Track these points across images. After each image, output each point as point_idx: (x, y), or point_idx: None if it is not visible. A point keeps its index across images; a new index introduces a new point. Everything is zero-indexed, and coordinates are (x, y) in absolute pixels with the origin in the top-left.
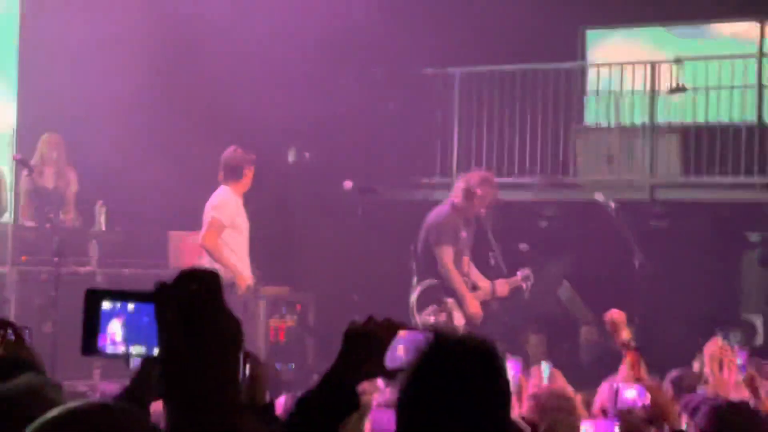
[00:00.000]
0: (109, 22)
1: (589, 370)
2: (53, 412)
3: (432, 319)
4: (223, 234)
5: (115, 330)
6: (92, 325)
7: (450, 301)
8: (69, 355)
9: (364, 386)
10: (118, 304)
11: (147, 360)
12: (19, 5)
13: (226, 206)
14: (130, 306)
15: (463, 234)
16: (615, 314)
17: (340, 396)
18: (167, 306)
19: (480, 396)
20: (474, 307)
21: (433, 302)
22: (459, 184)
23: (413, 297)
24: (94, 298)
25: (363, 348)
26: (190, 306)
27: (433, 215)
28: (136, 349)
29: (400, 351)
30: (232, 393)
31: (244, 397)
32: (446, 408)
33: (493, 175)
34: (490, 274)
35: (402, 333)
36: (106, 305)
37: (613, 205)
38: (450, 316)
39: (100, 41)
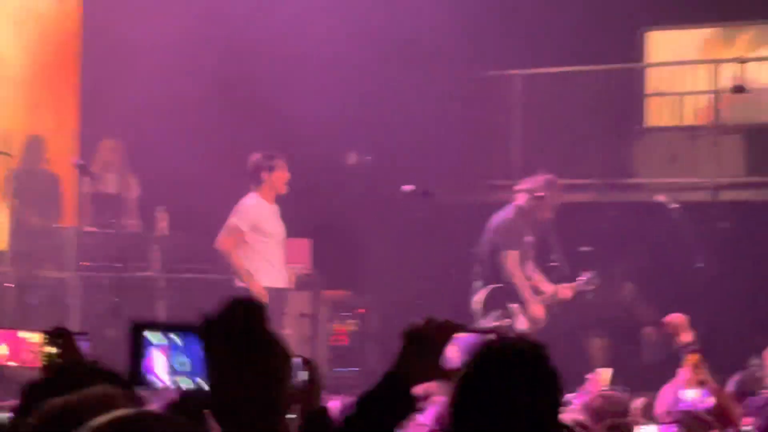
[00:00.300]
0: (170, 27)
1: (652, 372)
2: (102, 419)
3: (495, 323)
4: (250, 239)
5: (159, 362)
6: (137, 356)
7: (514, 306)
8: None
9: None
10: (163, 336)
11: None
12: (81, 13)
13: (245, 211)
14: (174, 338)
15: (528, 238)
16: (676, 317)
17: (398, 397)
18: (215, 340)
19: (531, 399)
20: (538, 311)
21: (497, 307)
22: (523, 188)
23: (477, 301)
24: (138, 330)
25: (421, 349)
26: (238, 339)
27: (498, 219)
28: (182, 381)
29: (456, 353)
30: (279, 422)
31: (300, 402)
32: (498, 409)
33: (557, 178)
34: (553, 276)
35: (459, 335)
36: (150, 337)
37: (675, 206)
38: (513, 320)
39: (161, 47)
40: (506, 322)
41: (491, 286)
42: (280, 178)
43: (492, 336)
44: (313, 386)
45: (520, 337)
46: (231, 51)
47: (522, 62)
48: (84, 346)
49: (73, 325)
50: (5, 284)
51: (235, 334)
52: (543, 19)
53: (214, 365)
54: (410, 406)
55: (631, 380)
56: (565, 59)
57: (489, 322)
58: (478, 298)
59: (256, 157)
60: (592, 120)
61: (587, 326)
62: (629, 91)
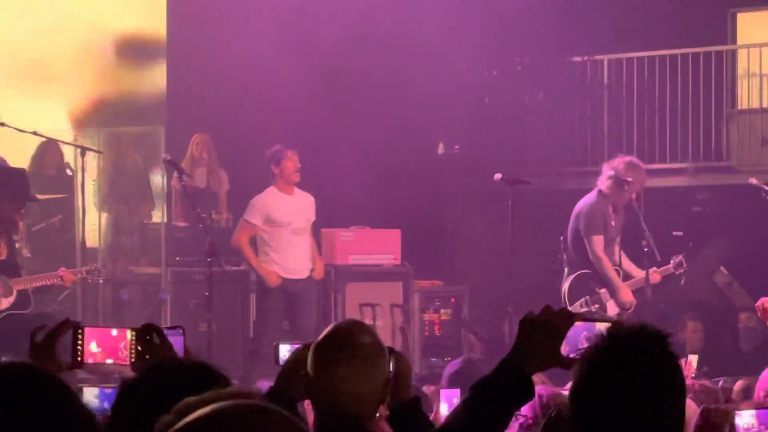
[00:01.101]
0: (256, 21)
1: (749, 357)
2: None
3: (584, 309)
4: (266, 231)
5: None
6: None
7: (602, 291)
8: (224, 353)
9: None
10: None
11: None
12: (167, 7)
13: (255, 205)
14: None
15: (613, 222)
16: (767, 301)
17: (516, 383)
18: None
19: (655, 387)
20: (626, 295)
21: (586, 292)
22: (605, 171)
23: (565, 287)
24: None
25: (540, 337)
26: None
27: (582, 204)
28: None
29: (576, 341)
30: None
31: (390, 393)
32: (621, 398)
33: (639, 160)
34: (644, 261)
35: (578, 323)
36: None
37: (767, 188)
38: (602, 305)
39: (246, 40)
40: (595, 307)
41: (578, 273)
42: (287, 168)
43: (610, 324)
44: (400, 376)
45: (643, 324)
46: (317, 46)
47: (609, 47)
48: (178, 340)
49: (165, 319)
50: (99, 280)
51: None
52: (631, 3)
53: None
54: (528, 392)
55: (729, 364)
56: (653, 42)
57: (576, 308)
58: (566, 284)
59: (267, 152)
60: (683, 103)
61: (680, 310)
62: (720, 74)
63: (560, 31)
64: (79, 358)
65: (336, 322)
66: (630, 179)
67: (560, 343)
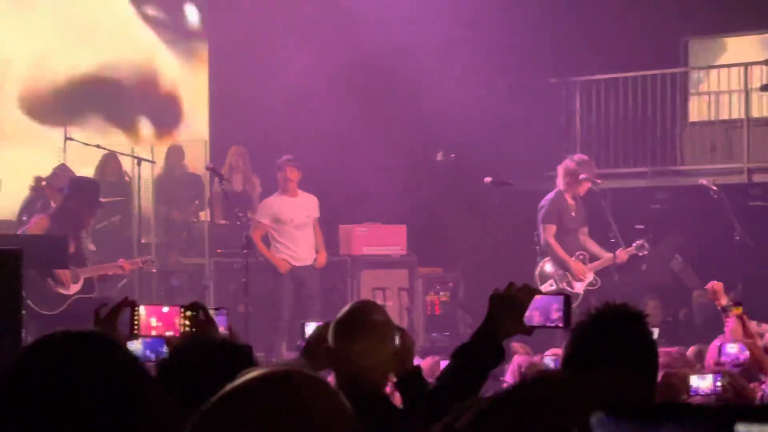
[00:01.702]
0: (284, 44)
1: (702, 328)
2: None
3: (553, 287)
4: (275, 228)
5: None
6: None
7: (564, 272)
8: (259, 330)
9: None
10: None
11: (319, 328)
12: (205, 25)
13: (263, 207)
14: None
15: (573, 213)
16: (715, 284)
17: (489, 349)
18: None
19: (633, 351)
20: (576, 266)
21: (554, 275)
22: (560, 170)
23: (537, 271)
24: None
25: (506, 309)
26: None
27: (543, 200)
28: None
29: (548, 311)
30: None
31: (396, 363)
32: (603, 357)
33: (588, 157)
34: (612, 250)
35: (537, 297)
36: None
37: (715, 188)
38: (570, 284)
39: (275, 59)
40: (563, 285)
41: (545, 259)
42: (284, 177)
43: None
44: (405, 349)
45: (624, 304)
46: (340, 65)
47: (580, 70)
48: (221, 319)
49: (209, 302)
50: (153, 269)
51: None
52: (599, 31)
53: None
54: (500, 355)
55: (686, 336)
56: (619, 66)
57: (547, 287)
58: (538, 269)
59: (277, 161)
60: (644, 117)
61: (641, 292)
62: (675, 92)
63: (539, 56)
64: (135, 331)
65: (353, 302)
66: (581, 172)
67: (523, 314)
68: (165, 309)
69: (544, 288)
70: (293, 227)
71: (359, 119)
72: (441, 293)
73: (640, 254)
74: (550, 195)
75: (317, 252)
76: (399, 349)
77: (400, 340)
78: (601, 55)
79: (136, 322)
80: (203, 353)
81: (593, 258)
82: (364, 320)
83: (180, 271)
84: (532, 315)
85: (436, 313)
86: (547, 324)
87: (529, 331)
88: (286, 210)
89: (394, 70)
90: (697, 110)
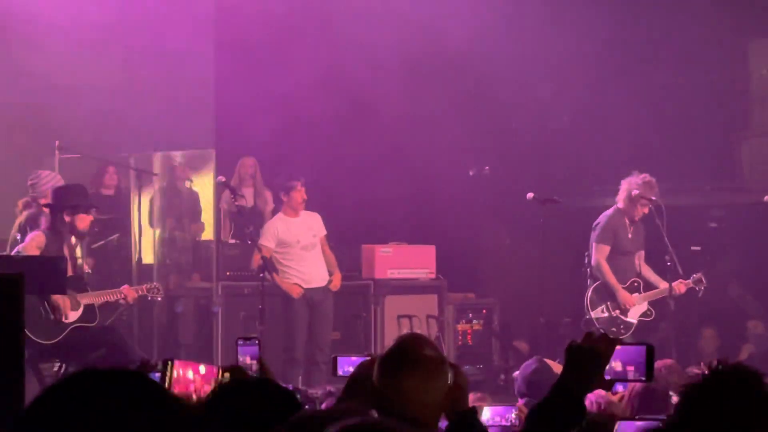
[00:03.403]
0: (295, 53)
1: (757, 361)
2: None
3: (605, 314)
4: (280, 251)
5: None
6: None
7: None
8: (273, 360)
9: None
10: None
11: (363, 364)
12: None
13: (267, 231)
14: None
15: (630, 235)
16: None
17: (570, 406)
18: None
19: (750, 419)
20: (624, 296)
21: (607, 299)
22: (622, 187)
23: (587, 295)
24: None
25: (587, 362)
26: None
27: (600, 217)
28: None
29: (616, 364)
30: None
31: (447, 403)
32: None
33: (652, 178)
34: (667, 275)
35: (618, 347)
36: None
37: None
38: (624, 311)
39: (286, 69)
40: (616, 312)
41: (597, 282)
42: (294, 198)
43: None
44: (458, 388)
45: (740, 365)
46: (359, 68)
47: (629, 73)
48: (253, 350)
49: (217, 330)
50: (158, 298)
51: None
52: (648, 29)
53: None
54: (581, 413)
55: None
56: (672, 67)
57: (598, 313)
58: (588, 293)
59: (278, 180)
60: (699, 126)
61: (697, 320)
62: (734, 97)
63: (583, 60)
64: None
65: (400, 336)
66: (642, 194)
67: (605, 367)
68: (202, 369)
69: (594, 314)
70: (300, 248)
71: (382, 130)
72: (474, 321)
73: (698, 288)
74: (608, 212)
75: (330, 273)
76: (452, 387)
77: (453, 377)
78: (651, 57)
79: (168, 381)
80: (248, 394)
81: (648, 286)
82: (413, 356)
83: (184, 296)
84: (611, 366)
85: (469, 343)
86: (629, 377)
87: (609, 386)
88: (291, 231)
89: (422, 79)
90: (760, 118)
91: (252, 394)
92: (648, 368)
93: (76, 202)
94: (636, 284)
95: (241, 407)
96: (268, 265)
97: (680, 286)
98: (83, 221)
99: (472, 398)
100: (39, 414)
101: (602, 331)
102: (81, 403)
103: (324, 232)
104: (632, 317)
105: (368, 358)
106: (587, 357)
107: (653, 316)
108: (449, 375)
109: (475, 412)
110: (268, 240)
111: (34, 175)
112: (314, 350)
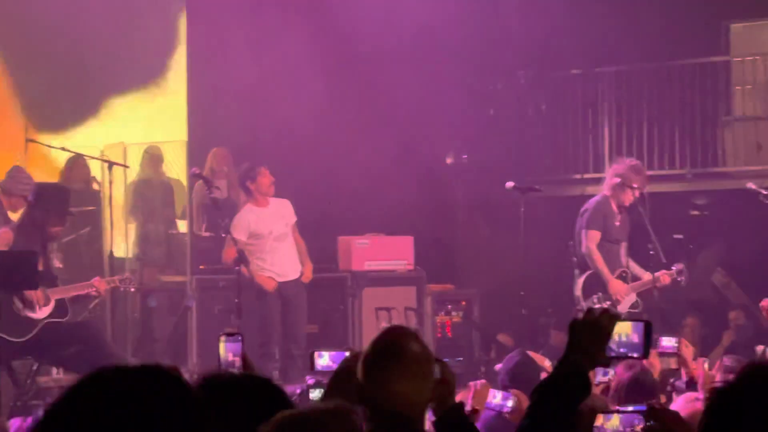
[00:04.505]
0: (270, 39)
1: (740, 351)
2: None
3: (597, 305)
4: (252, 244)
5: None
6: None
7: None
8: (250, 355)
9: None
10: None
11: (347, 359)
12: (186, 28)
13: (237, 224)
14: None
15: (617, 222)
16: None
17: (575, 381)
18: None
19: None
20: (616, 286)
21: (598, 289)
22: (609, 174)
23: (578, 286)
24: None
25: (591, 337)
26: None
27: (587, 203)
28: None
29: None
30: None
31: (435, 398)
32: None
33: (641, 163)
34: (650, 264)
35: (620, 324)
36: None
37: (764, 191)
38: (616, 301)
39: (260, 56)
40: (607, 303)
41: (591, 272)
42: (263, 184)
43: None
44: (445, 383)
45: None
46: (333, 59)
47: (609, 60)
48: (237, 346)
49: (191, 324)
50: (131, 288)
51: None
52: (629, 16)
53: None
54: (587, 387)
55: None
56: (651, 54)
57: (590, 304)
58: (579, 283)
59: (239, 171)
60: (681, 112)
61: (680, 309)
62: (716, 83)
63: (561, 45)
64: None
65: (384, 330)
66: (631, 180)
67: (608, 341)
68: None
69: (586, 305)
70: (273, 240)
71: (358, 118)
72: (453, 313)
73: (678, 279)
74: (597, 198)
75: (302, 264)
76: (439, 382)
77: (439, 372)
78: (630, 43)
79: None
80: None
81: (634, 278)
82: (400, 351)
83: (158, 290)
84: (609, 343)
85: (448, 335)
86: (627, 353)
87: (608, 362)
88: (261, 223)
89: (397, 64)
90: (741, 104)
91: (240, 389)
92: (645, 345)
93: (58, 209)
94: (624, 274)
95: (228, 402)
96: (244, 259)
97: (665, 277)
98: (58, 229)
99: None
100: (65, 411)
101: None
102: (108, 401)
103: (294, 218)
104: (622, 308)
105: (347, 352)
106: (591, 332)
107: (640, 307)
108: (436, 370)
109: (462, 407)
110: (239, 233)
111: (15, 169)
112: (289, 344)
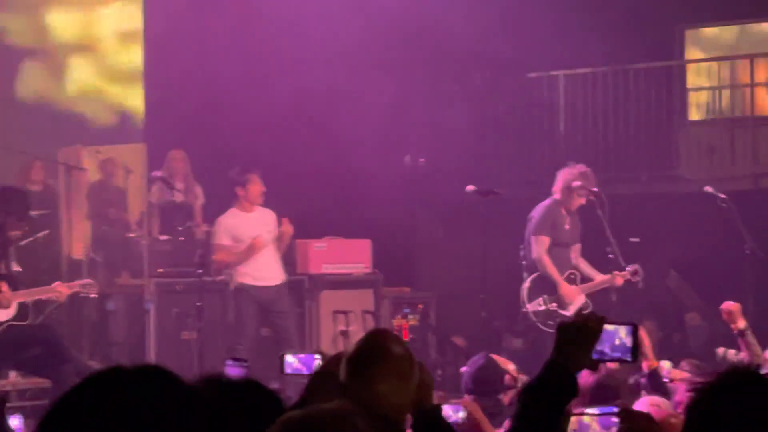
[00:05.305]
0: (227, 42)
1: (696, 353)
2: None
3: (542, 307)
4: (235, 249)
5: None
6: None
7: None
8: (213, 359)
9: None
10: None
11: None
12: (143, 26)
13: (220, 229)
14: None
15: (567, 226)
16: (731, 305)
17: (563, 383)
18: None
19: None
20: (566, 289)
21: (545, 291)
22: (558, 178)
23: (524, 287)
24: None
25: (578, 340)
26: None
27: (536, 208)
28: None
29: (601, 344)
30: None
31: (413, 400)
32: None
33: (587, 167)
34: (609, 267)
35: (607, 326)
36: None
37: (722, 195)
38: (561, 304)
39: (217, 59)
40: (553, 305)
41: (538, 274)
42: (252, 191)
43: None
44: (423, 385)
45: (749, 366)
46: (291, 60)
47: (564, 63)
48: (242, 372)
49: (149, 328)
50: (91, 294)
51: None
52: (584, 20)
53: None
54: (574, 389)
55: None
56: (606, 58)
57: (535, 306)
58: (526, 284)
59: (231, 173)
60: (636, 115)
61: (635, 311)
62: (671, 87)
63: (517, 47)
64: None
65: (368, 331)
66: (579, 185)
67: (594, 344)
68: None
69: (531, 307)
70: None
71: (312, 118)
72: (410, 316)
73: (633, 280)
74: (545, 203)
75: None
76: (417, 384)
77: (418, 374)
78: (586, 47)
79: None
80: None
81: (585, 279)
82: (383, 354)
83: (115, 293)
84: (597, 346)
85: (405, 338)
86: (614, 356)
87: (595, 365)
88: (244, 227)
89: (353, 63)
90: (696, 108)
91: (236, 394)
92: (633, 348)
93: (17, 212)
94: (572, 276)
95: (225, 408)
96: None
97: (618, 278)
98: (17, 232)
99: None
100: (64, 413)
101: (539, 324)
102: (107, 403)
103: (276, 231)
104: (570, 311)
105: (316, 355)
106: (578, 335)
107: (590, 308)
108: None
109: (440, 410)
110: (221, 238)
111: None
112: (285, 348)
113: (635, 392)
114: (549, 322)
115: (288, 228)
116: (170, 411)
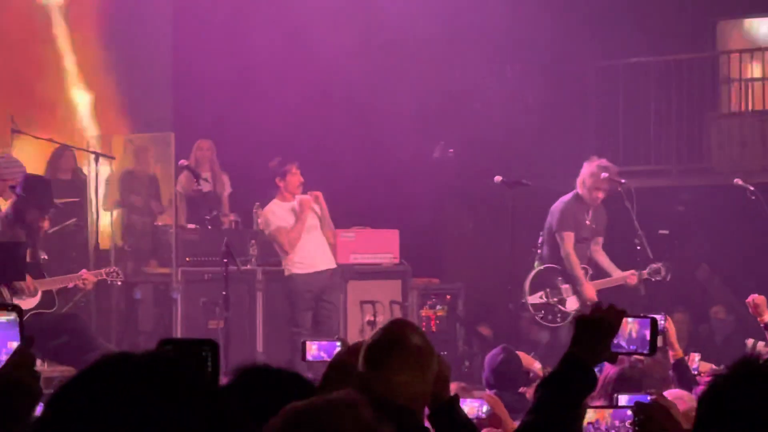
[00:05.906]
0: (258, 31)
1: (721, 346)
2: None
3: (543, 301)
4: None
5: None
6: None
7: (565, 286)
8: (238, 348)
9: None
10: None
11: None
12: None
13: (267, 220)
14: None
15: (588, 221)
16: (757, 298)
17: (582, 376)
18: None
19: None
20: (590, 291)
21: (547, 285)
22: (581, 172)
23: (527, 281)
24: None
25: (596, 333)
26: None
27: (557, 203)
28: None
29: (619, 336)
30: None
31: (431, 392)
32: (745, 425)
33: (610, 162)
34: (637, 259)
35: (626, 320)
36: None
37: (752, 188)
38: (561, 299)
39: (248, 48)
40: (554, 300)
41: (545, 266)
42: (292, 182)
43: (649, 319)
44: (440, 376)
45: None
46: (322, 52)
47: (597, 54)
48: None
49: (176, 317)
50: (118, 282)
51: None
52: (618, 12)
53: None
54: (593, 382)
55: (705, 354)
56: (639, 49)
57: (536, 299)
58: (530, 275)
59: (271, 164)
60: (667, 108)
61: (666, 304)
62: (703, 79)
63: (549, 39)
64: None
65: (387, 323)
66: (600, 180)
67: (613, 337)
68: None
69: (531, 299)
70: (304, 232)
71: (343, 111)
72: (438, 307)
73: (654, 279)
74: (566, 197)
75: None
76: (434, 375)
77: (435, 365)
78: (619, 38)
79: None
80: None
81: (604, 274)
82: (402, 345)
83: (142, 282)
84: (615, 339)
85: (432, 329)
86: (632, 349)
87: (614, 358)
88: (290, 216)
89: (385, 57)
90: (728, 100)
91: (273, 381)
92: (652, 342)
93: (42, 202)
94: (583, 271)
95: (261, 394)
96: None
97: (632, 278)
98: (41, 222)
99: (453, 387)
100: (69, 399)
101: (536, 316)
102: (116, 389)
103: (320, 212)
104: (570, 308)
105: (337, 342)
106: (597, 328)
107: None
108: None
109: (457, 401)
110: (277, 221)
111: (7, 156)
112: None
113: (666, 384)
114: (549, 316)
115: (314, 194)
116: (172, 401)
